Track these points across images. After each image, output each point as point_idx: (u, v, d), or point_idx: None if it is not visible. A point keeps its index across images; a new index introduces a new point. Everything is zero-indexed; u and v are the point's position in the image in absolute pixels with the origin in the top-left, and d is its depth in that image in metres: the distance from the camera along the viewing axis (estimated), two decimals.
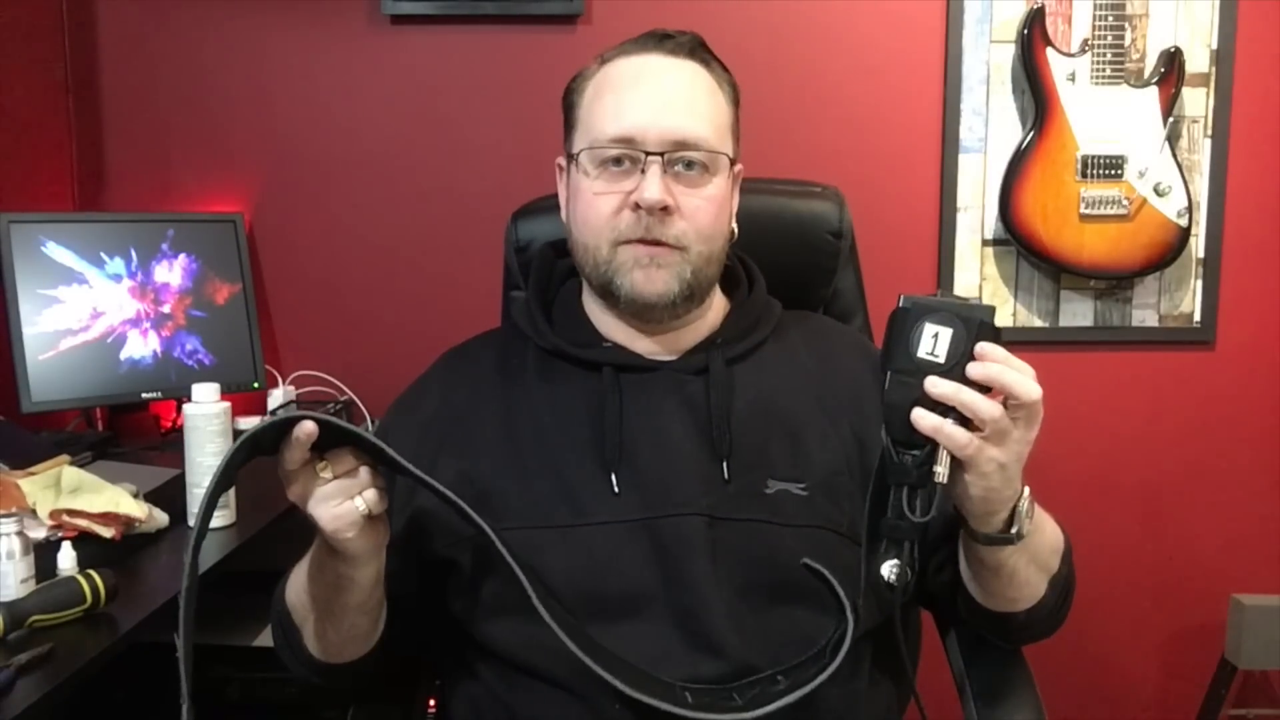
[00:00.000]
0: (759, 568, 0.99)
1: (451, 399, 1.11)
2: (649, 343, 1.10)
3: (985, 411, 0.87)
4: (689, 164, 1.04)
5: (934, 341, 0.88)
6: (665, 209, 1.02)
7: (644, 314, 1.06)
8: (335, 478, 0.88)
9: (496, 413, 1.08)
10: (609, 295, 1.06)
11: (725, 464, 1.03)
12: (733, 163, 1.09)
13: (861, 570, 0.94)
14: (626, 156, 1.03)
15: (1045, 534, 1.03)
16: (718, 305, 1.14)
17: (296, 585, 1.03)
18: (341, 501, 0.88)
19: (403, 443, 1.01)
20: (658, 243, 1.03)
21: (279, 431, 0.85)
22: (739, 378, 1.08)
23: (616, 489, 1.01)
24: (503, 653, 1.00)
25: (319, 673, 1.05)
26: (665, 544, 0.99)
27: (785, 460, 1.04)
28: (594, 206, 1.05)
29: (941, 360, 0.88)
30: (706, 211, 1.05)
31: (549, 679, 0.97)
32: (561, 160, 1.14)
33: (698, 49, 1.08)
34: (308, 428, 0.84)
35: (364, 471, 0.89)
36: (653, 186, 1.01)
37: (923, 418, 0.86)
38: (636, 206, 1.02)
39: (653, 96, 1.04)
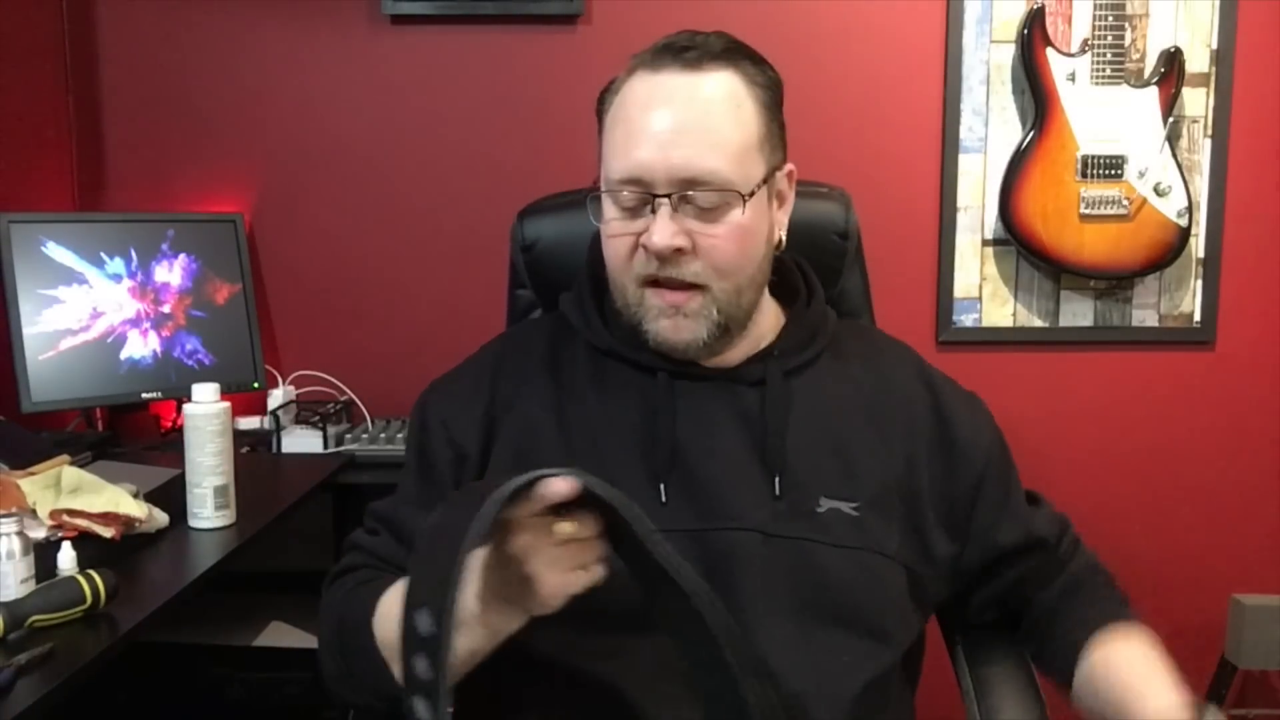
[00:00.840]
0: (808, 588, 0.96)
1: (503, 388, 1.07)
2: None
3: None
4: (701, 198, 0.98)
5: None
6: (679, 250, 0.98)
7: (675, 357, 1.03)
8: (571, 540, 0.81)
9: (548, 406, 1.05)
10: (637, 333, 1.03)
11: (778, 479, 1.00)
12: (773, 171, 1.04)
13: None
14: (637, 197, 0.98)
15: None
16: (773, 314, 1.11)
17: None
18: (574, 568, 0.81)
19: (462, 428, 1.04)
20: (676, 285, 0.99)
21: (531, 485, 0.78)
22: (794, 391, 1.05)
23: (664, 499, 0.99)
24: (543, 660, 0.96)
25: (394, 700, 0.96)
26: (716, 558, 0.96)
27: (837, 477, 1.02)
28: (612, 246, 1.02)
29: None
30: (725, 248, 0.99)
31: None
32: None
33: (723, 52, 1.02)
34: (566, 489, 0.77)
35: (598, 541, 0.83)
36: (661, 231, 0.97)
37: None
38: (647, 249, 0.99)
39: (661, 129, 0.97)
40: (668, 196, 0.97)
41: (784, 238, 1.08)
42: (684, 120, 0.98)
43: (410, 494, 1.07)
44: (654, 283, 1.00)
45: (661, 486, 0.99)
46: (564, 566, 0.81)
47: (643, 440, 1.01)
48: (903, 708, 1.05)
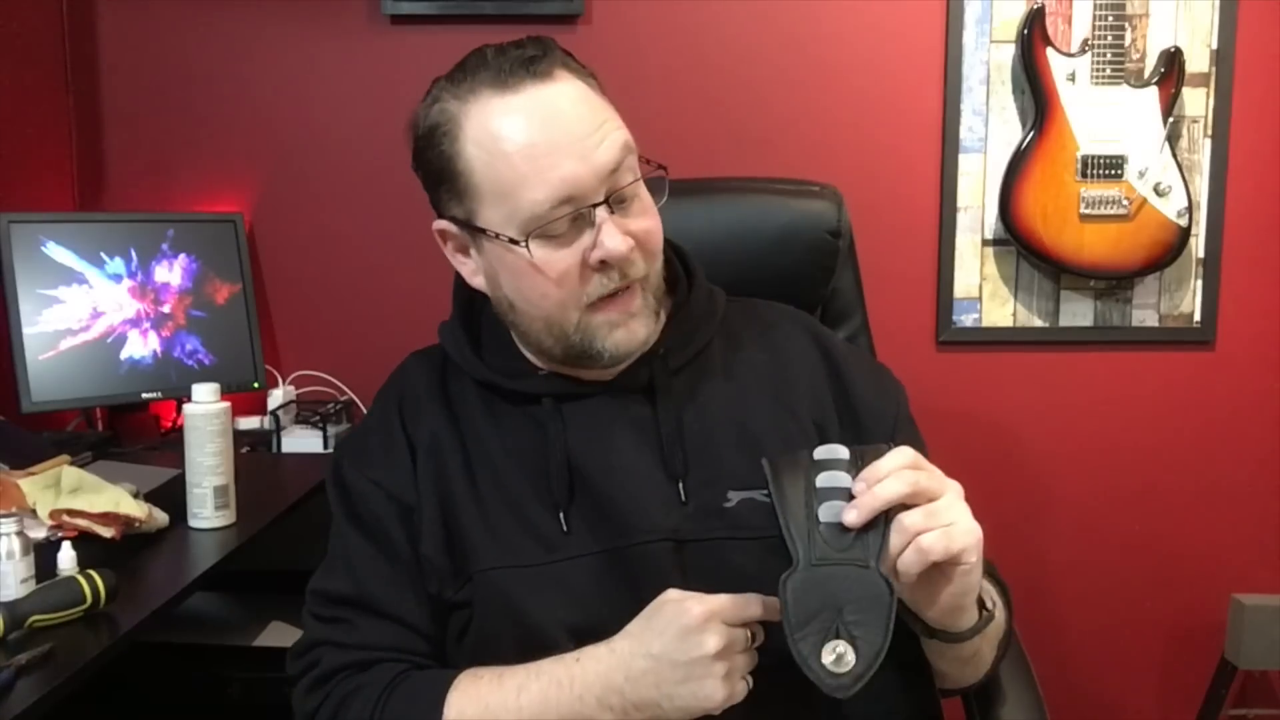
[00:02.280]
0: (731, 588, 0.91)
1: (410, 430, 1.04)
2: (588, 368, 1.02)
3: (938, 486, 0.84)
4: (623, 188, 0.95)
5: (834, 476, 0.85)
6: (632, 249, 0.94)
7: (624, 363, 1.01)
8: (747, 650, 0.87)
9: (454, 447, 1.02)
10: (583, 359, 0.99)
11: (681, 484, 0.99)
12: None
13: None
14: (571, 217, 0.93)
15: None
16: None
17: (496, 710, 0.91)
18: (741, 679, 0.87)
19: (397, 482, 1.01)
20: (623, 289, 0.96)
21: None
22: (687, 387, 1.03)
23: (565, 527, 0.97)
24: None
25: None
26: (636, 573, 0.95)
27: (744, 467, 0.98)
28: (553, 285, 0.94)
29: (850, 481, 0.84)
30: (655, 230, 0.98)
31: None
32: (448, 228, 1.01)
33: (556, 58, 0.97)
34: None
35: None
36: (615, 236, 0.92)
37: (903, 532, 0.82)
38: (601, 263, 0.93)
39: (569, 138, 0.92)
40: (606, 201, 0.93)
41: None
42: (583, 120, 0.93)
43: (369, 568, 1.00)
44: (600, 299, 0.96)
45: (562, 516, 0.98)
46: (737, 675, 0.86)
47: (539, 471, 0.99)
48: (900, 693, 1.00)
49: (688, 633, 0.84)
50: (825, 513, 0.83)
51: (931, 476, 0.84)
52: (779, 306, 1.17)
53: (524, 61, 0.94)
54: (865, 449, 0.87)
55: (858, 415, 1.06)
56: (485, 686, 0.92)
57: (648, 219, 0.97)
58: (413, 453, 1.03)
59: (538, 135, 0.92)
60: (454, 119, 0.96)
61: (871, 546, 0.82)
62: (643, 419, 1.01)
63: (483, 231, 0.96)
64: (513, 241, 0.94)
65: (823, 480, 0.84)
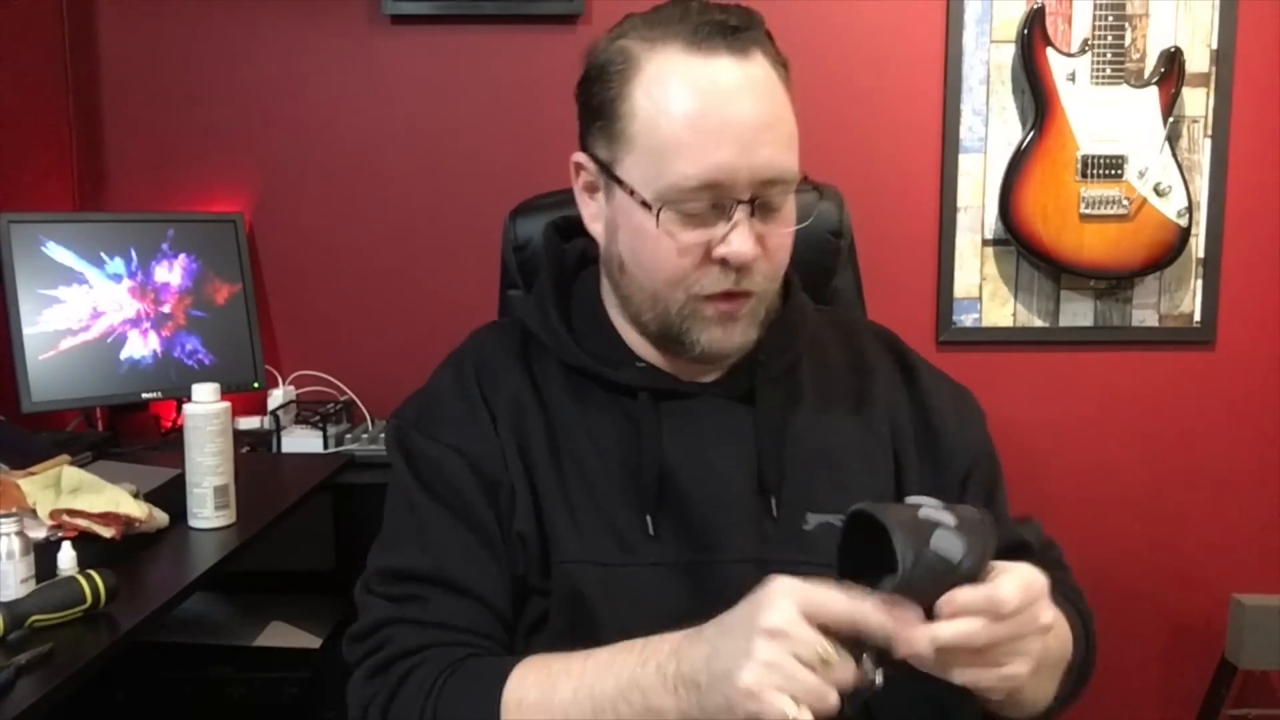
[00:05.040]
0: None
1: (494, 404, 0.97)
2: (684, 362, 0.97)
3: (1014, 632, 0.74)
4: (772, 197, 0.90)
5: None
6: (757, 259, 0.90)
7: (715, 362, 0.97)
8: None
9: (538, 425, 0.96)
10: (674, 344, 0.95)
11: (774, 500, 0.94)
12: None
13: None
14: (710, 203, 0.89)
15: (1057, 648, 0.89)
16: None
17: (553, 700, 0.82)
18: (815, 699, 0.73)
19: (481, 454, 0.94)
20: (741, 294, 0.92)
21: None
22: (781, 398, 0.99)
23: (652, 530, 0.92)
24: None
25: None
26: (710, 595, 0.87)
27: (826, 489, 0.95)
28: (671, 259, 0.90)
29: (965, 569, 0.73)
30: (786, 249, 0.94)
31: None
32: (586, 163, 0.96)
33: (759, 33, 0.91)
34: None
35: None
36: (745, 241, 0.88)
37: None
38: (724, 261, 0.89)
39: (740, 128, 0.87)
40: (750, 201, 0.89)
41: None
42: (760, 115, 0.89)
43: (448, 542, 0.93)
44: (716, 296, 0.91)
45: (649, 518, 0.93)
46: (783, 681, 0.71)
47: (627, 468, 0.94)
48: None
49: (757, 601, 0.74)
50: (940, 543, 0.74)
51: (1014, 624, 0.74)
52: (856, 318, 1.14)
53: (725, 29, 0.89)
54: (969, 518, 0.76)
55: (938, 443, 1.02)
56: (555, 660, 0.85)
57: (783, 237, 0.93)
58: (494, 422, 0.96)
59: (711, 109, 0.88)
60: (633, 60, 0.91)
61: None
62: (740, 427, 0.97)
63: (620, 182, 0.92)
64: (646, 205, 0.90)
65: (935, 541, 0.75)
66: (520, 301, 1.04)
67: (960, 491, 1.01)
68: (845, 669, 0.72)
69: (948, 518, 0.74)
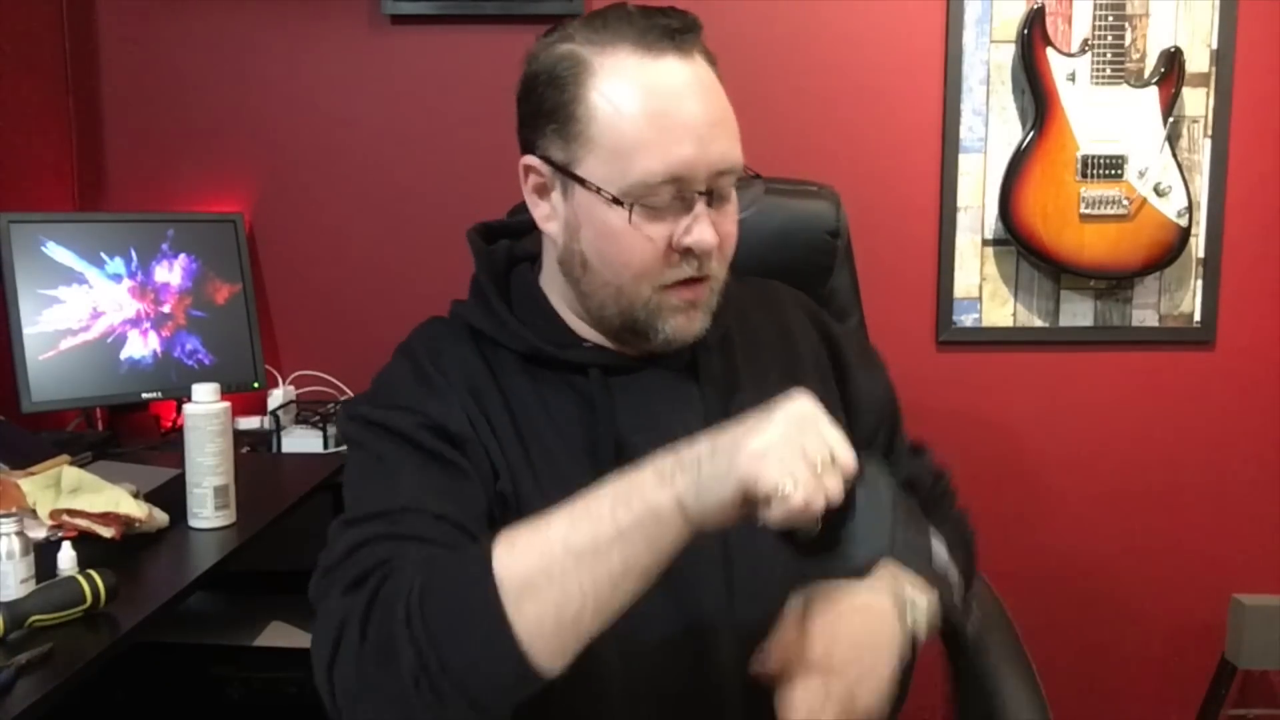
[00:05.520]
0: (770, 575, 0.95)
1: (453, 381, 0.99)
2: (633, 345, 1.02)
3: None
4: (724, 188, 0.96)
5: None
6: (716, 247, 0.95)
7: (674, 349, 1.00)
8: None
9: (499, 408, 0.99)
10: (637, 335, 0.99)
11: None
12: None
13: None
14: (672, 197, 0.93)
15: None
16: None
17: (549, 535, 0.79)
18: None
19: (443, 413, 0.94)
20: (700, 281, 0.97)
21: None
22: (720, 366, 1.04)
23: None
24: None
25: (503, 683, 0.79)
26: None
27: None
28: (639, 252, 0.94)
29: None
30: (734, 233, 0.99)
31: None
32: (537, 165, 0.99)
33: (698, 37, 0.96)
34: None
35: None
36: (707, 229, 0.93)
37: None
38: (687, 251, 0.94)
39: (696, 124, 0.93)
40: (708, 193, 0.94)
41: None
42: (711, 111, 0.94)
43: (420, 479, 0.91)
44: (675, 284, 0.96)
45: None
46: (795, 469, 0.77)
47: (585, 441, 0.98)
48: None
49: (781, 400, 0.81)
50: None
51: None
52: (772, 283, 1.18)
53: (669, 31, 0.94)
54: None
55: (858, 398, 1.10)
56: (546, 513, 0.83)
57: (732, 224, 0.98)
58: (463, 403, 0.97)
59: (669, 107, 0.92)
60: (584, 64, 0.94)
61: None
62: (688, 397, 1.02)
63: (582, 182, 0.95)
64: (616, 202, 0.93)
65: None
66: (460, 304, 1.06)
67: (872, 436, 1.10)
68: (834, 483, 0.78)
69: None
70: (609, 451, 0.97)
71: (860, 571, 0.84)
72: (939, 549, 0.91)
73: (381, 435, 0.95)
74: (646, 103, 0.92)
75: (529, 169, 1.00)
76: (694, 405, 1.01)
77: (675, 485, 0.79)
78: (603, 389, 1.00)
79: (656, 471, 0.80)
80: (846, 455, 0.80)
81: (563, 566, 0.78)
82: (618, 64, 0.93)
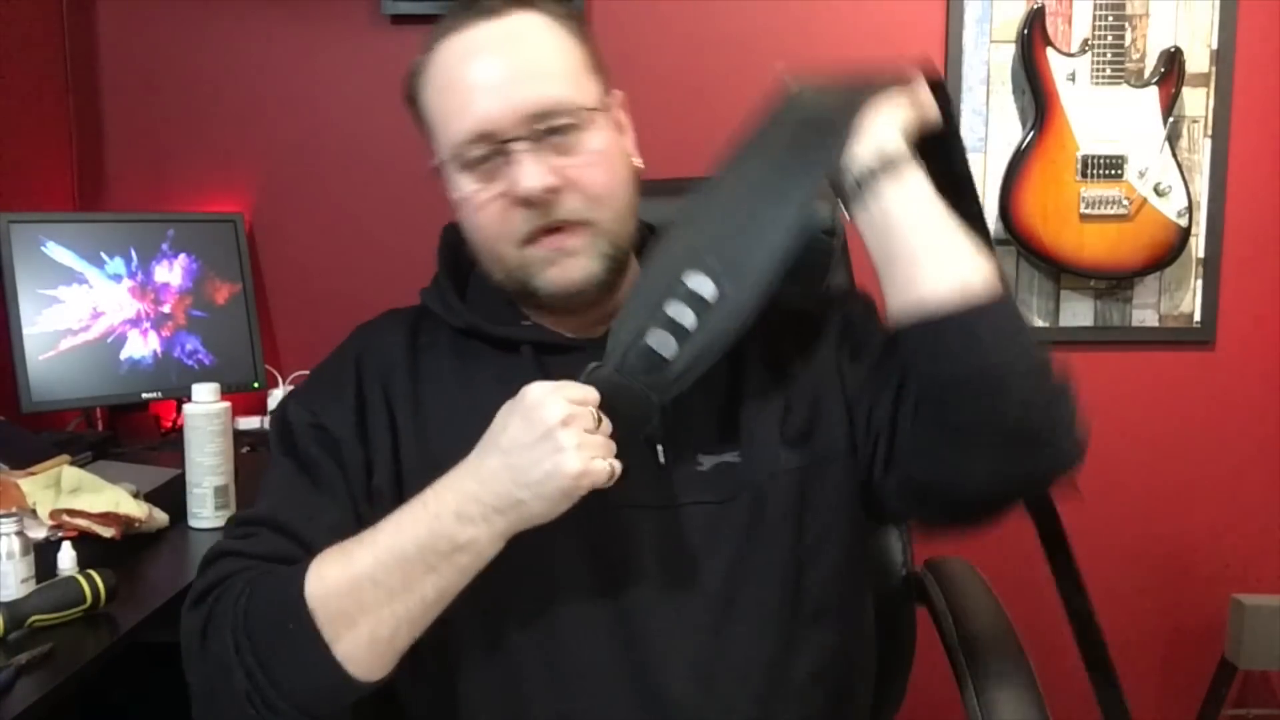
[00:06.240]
0: (706, 557, 0.93)
1: (366, 382, 1.02)
2: (574, 321, 1.01)
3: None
4: (556, 129, 0.94)
5: None
6: (552, 190, 0.93)
7: (573, 304, 0.99)
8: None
9: (407, 395, 1.00)
10: (531, 296, 0.99)
11: (660, 447, 0.95)
12: (607, 94, 1.00)
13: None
14: (488, 151, 0.94)
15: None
16: (635, 275, 1.02)
17: (357, 572, 0.85)
18: (599, 457, 0.84)
19: (334, 419, 0.98)
20: (558, 228, 0.95)
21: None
22: None
23: None
24: (512, 649, 0.94)
25: (330, 696, 0.87)
26: (607, 543, 0.93)
27: (713, 431, 0.97)
28: (482, 216, 0.96)
29: None
30: (594, 173, 0.95)
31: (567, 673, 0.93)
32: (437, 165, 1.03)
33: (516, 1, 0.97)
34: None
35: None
36: (528, 174, 0.92)
37: None
38: (527, 201, 0.93)
39: (490, 74, 0.94)
40: (523, 139, 0.93)
41: (641, 163, 1.03)
42: (509, 60, 0.95)
43: (288, 493, 0.97)
44: (535, 236, 0.95)
45: None
46: (594, 452, 0.83)
47: None
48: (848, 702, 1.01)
49: (530, 411, 0.83)
50: (653, 339, 0.89)
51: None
52: (835, 297, 1.16)
53: (483, 10, 0.97)
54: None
55: (858, 353, 1.04)
56: (349, 542, 0.88)
57: (586, 161, 0.95)
58: (361, 400, 1.01)
59: (461, 70, 0.96)
60: (421, 66, 1.00)
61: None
62: None
63: (438, 167, 1.00)
64: (449, 170, 0.98)
65: (672, 310, 0.89)
66: (423, 291, 1.11)
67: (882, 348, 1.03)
68: (608, 425, 0.85)
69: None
70: None
71: None
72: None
73: (282, 433, 1.01)
74: (444, 74, 0.97)
75: (435, 171, 1.04)
76: None
77: (493, 524, 0.84)
78: (533, 368, 0.98)
79: (461, 517, 0.84)
80: (578, 391, 0.85)
81: (374, 599, 0.84)
82: (439, 54, 0.98)
